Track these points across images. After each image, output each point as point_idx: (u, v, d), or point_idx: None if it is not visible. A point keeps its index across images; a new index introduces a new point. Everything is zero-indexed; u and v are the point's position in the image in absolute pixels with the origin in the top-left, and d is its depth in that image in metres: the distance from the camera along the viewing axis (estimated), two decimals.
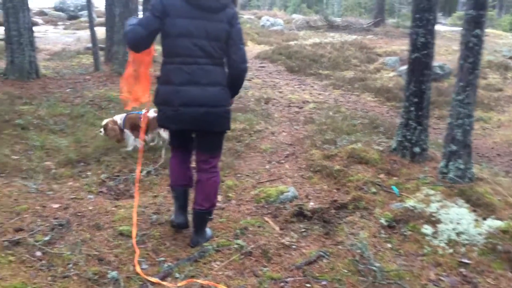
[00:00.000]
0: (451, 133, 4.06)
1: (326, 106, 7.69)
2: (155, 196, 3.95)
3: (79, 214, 3.41)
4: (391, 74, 11.16)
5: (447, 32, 17.76)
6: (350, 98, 8.72)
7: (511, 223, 3.43)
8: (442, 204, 3.67)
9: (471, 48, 3.80)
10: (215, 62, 2.93)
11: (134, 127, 4.86)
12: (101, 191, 4.00)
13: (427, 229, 3.44)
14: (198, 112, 2.89)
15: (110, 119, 5.04)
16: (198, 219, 3.17)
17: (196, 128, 3.00)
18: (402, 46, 14.48)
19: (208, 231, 3.28)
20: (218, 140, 3.14)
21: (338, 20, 21.96)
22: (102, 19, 15.61)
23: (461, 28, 3.93)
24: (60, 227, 3.17)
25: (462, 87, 3.92)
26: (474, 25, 3.75)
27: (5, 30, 7.82)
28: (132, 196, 3.97)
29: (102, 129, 4.96)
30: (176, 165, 3.23)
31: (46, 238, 2.99)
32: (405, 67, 11.27)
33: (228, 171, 4.53)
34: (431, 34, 4.32)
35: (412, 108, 4.50)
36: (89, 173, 4.34)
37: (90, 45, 10.37)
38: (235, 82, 3.09)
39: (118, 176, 4.30)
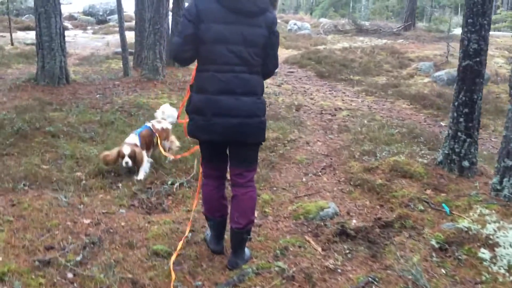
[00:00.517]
0: (506, 146, 3.75)
1: (359, 113, 7.41)
2: (189, 211, 3.76)
3: (111, 230, 3.25)
4: (426, 80, 10.78)
5: None
6: (384, 105, 8.40)
7: None
8: (499, 226, 3.36)
9: None
10: (252, 70, 2.74)
11: (149, 146, 4.61)
12: (132, 205, 3.84)
13: (484, 253, 3.14)
14: (231, 123, 2.71)
15: (127, 145, 4.30)
16: (236, 239, 2.95)
17: (229, 139, 2.81)
18: (434, 51, 14.07)
19: (247, 251, 3.07)
20: (253, 153, 2.94)
21: (366, 24, 21.59)
22: (131, 23, 15.70)
23: None
24: (92, 245, 3.01)
25: None
26: None
27: (36, 35, 7.82)
28: (165, 210, 3.80)
29: (128, 160, 4.25)
30: (208, 195, 3.03)
31: (78, 258, 2.83)
32: (440, 72, 10.91)
33: (263, 184, 4.32)
34: (485, 40, 4.02)
35: (462, 119, 4.20)
36: (120, 184, 4.20)
37: (119, 49, 10.36)
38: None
39: (149, 188, 4.14)
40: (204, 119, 2.71)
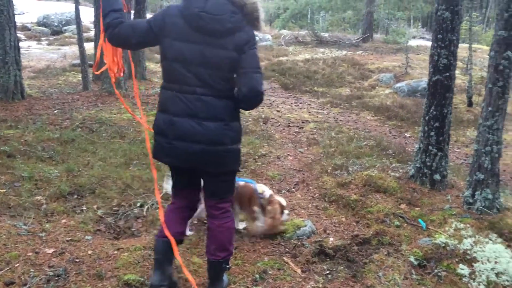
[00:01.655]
0: (478, 160, 3.80)
1: (326, 125, 7.42)
2: None
3: (77, 260, 3.01)
4: (387, 91, 11.01)
5: None
6: (349, 117, 8.47)
7: None
8: (475, 240, 3.39)
9: (501, 71, 3.56)
10: (217, 94, 2.46)
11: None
12: (99, 230, 3.61)
13: (463, 269, 3.15)
14: (193, 149, 2.47)
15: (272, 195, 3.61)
16: (213, 271, 2.76)
17: (192, 166, 2.58)
18: (393, 62, 14.45)
19: (224, 278, 2.90)
20: (225, 184, 2.70)
21: (326, 35, 21.96)
22: (89, 34, 15.25)
23: (489, 50, 3.69)
24: (57, 278, 2.77)
25: (491, 112, 3.67)
26: (505, 47, 3.51)
27: None
28: (134, 235, 3.59)
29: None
30: (167, 214, 2.77)
31: None
32: (400, 84, 11.17)
33: None
34: (454, 56, 4.08)
35: (432, 133, 4.24)
36: (84, 207, 3.94)
37: (77, 61, 9.98)
38: (248, 109, 2.69)
39: (117, 211, 3.91)
40: (166, 141, 2.50)
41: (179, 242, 2.74)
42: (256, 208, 3.55)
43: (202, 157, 2.49)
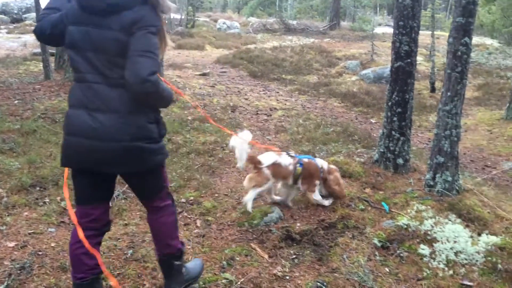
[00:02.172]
0: (438, 144, 3.91)
1: (294, 113, 7.48)
2: (126, 225, 3.54)
3: (40, 253, 2.95)
4: (354, 78, 11.16)
5: None
6: (317, 104, 8.56)
7: (507, 238, 3.31)
8: (435, 221, 3.50)
9: (460, 57, 3.67)
10: (109, 81, 2.12)
11: None
12: (62, 222, 3.53)
13: (424, 249, 3.25)
14: (82, 145, 2.11)
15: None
16: (164, 267, 2.59)
17: (86, 168, 2.18)
18: (359, 49, 14.65)
19: (193, 267, 2.74)
20: (143, 183, 2.35)
21: (294, 23, 22.00)
22: None
23: (448, 36, 3.78)
24: (19, 272, 2.71)
25: (450, 97, 3.78)
26: (463, 33, 3.61)
27: None
28: None
29: None
30: (70, 251, 2.31)
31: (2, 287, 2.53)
32: (366, 70, 11.35)
33: (204, 191, 4.18)
34: (415, 42, 4.17)
35: (395, 118, 4.34)
36: (47, 200, 3.85)
37: (38, 50, 9.65)
38: (145, 104, 2.18)
39: None
40: (63, 137, 2.19)
41: (95, 275, 2.30)
42: (317, 182, 3.87)
43: (95, 156, 2.12)
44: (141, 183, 2.35)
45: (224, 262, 3.04)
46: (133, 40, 2.06)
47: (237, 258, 3.11)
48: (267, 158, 3.77)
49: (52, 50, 9.59)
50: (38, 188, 4.06)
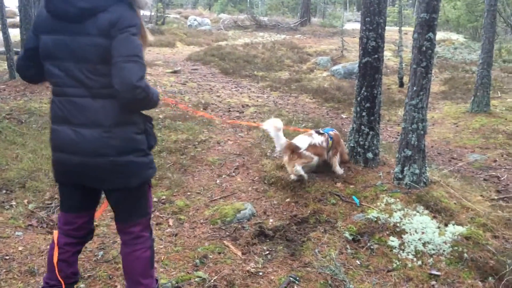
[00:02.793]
0: (405, 138, 4.00)
1: (266, 109, 7.51)
2: (97, 226, 3.48)
3: (7, 257, 2.88)
4: (325, 74, 11.27)
5: None
6: (289, 100, 8.61)
7: (472, 228, 3.42)
8: (404, 213, 3.59)
9: (424, 52, 3.75)
10: (91, 93, 2.02)
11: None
12: (30, 225, 3.45)
13: (393, 241, 3.33)
14: (71, 162, 2.07)
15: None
16: None
17: (73, 182, 2.15)
18: (330, 45, 14.80)
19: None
20: (126, 202, 2.20)
21: (265, 19, 22.03)
22: (15, 20, 14.33)
23: (413, 32, 3.87)
24: None
25: (416, 91, 3.87)
26: (427, 29, 3.70)
27: None
28: None
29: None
30: (49, 255, 2.28)
31: None
32: (337, 66, 11.48)
33: (176, 189, 4.16)
34: (381, 38, 4.24)
35: (364, 113, 4.41)
36: (13, 202, 3.75)
37: (2, 49, 9.34)
38: (133, 110, 2.10)
39: (49, 204, 3.76)
40: (52, 153, 2.16)
41: (70, 284, 2.28)
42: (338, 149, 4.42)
43: (82, 171, 2.07)
44: (124, 201, 2.19)
45: (197, 261, 3.04)
46: (115, 45, 1.94)
47: (210, 256, 3.11)
48: (302, 142, 4.20)
49: (16, 48, 9.31)
50: (4, 191, 3.95)
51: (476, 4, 18.74)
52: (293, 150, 4.12)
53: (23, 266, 2.81)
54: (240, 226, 3.57)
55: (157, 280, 2.41)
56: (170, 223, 3.61)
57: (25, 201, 3.77)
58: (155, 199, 3.97)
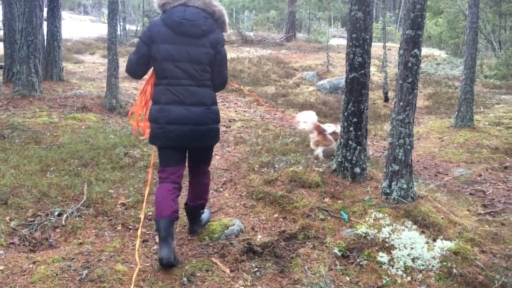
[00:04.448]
0: (393, 153, 4.02)
1: (253, 124, 7.50)
2: (81, 244, 3.40)
3: None
4: (311, 88, 11.35)
5: None
6: (275, 114, 8.62)
7: (460, 243, 3.43)
8: (392, 228, 3.58)
9: (410, 68, 3.79)
10: (199, 83, 3.13)
11: None
12: (12, 243, 3.35)
13: (382, 256, 3.31)
14: (182, 130, 3.09)
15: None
16: (192, 214, 3.56)
17: (183, 145, 3.18)
18: (315, 60, 14.94)
19: (205, 215, 3.73)
20: (207, 154, 3.44)
21: (251, 34, 22.18)
22: None
23: (399, 48, 3.91)
24: None
25: (402, 107, 3.89)
26: (413, 45, 3.75)
27: None
28: (52, 246, 3.38)
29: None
30: (161, 195, 3.18)
31: None
32: (323, 81, 11.57)
33: None
34: (368, 54, 4.28)
35: (352, 128, 4.42)
36: None
37: None
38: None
39: (32, 221, 3.66)
40: (158, 127, 3.10)
41: (176, 219, 3.19)
42: None
43: (190, 135, 3.10)
44: (206, 154, 3.42)
45: (185, 279, 2.97)
46: (219, 57, 3.20)
47: (198, 274, 3.05)
48: (328, 127, 5.52)
49: (0, 63, 9.19)
50: None
51: (457, 21, 19.19)
52: (320, 132, 5.41)
53: (4, 286, 2.71)
54: (228, 242, 3.52)
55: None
56: (157, 240, 3.54)
57: (7, 218, 3.66)
58: (141, 216, 3.90)
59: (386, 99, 10.15)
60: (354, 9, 4.28)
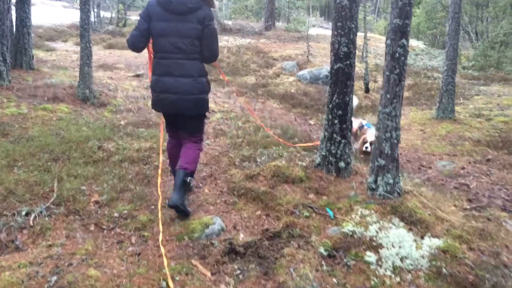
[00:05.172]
0: (379, 147, 3.89)
1: (233, 115, 7.29)
2: (50, 246, 3.16)
3: None
4: (291, 79, 11.17)
5: None
6: (256, 105, 8.43)
7: (448, 240, 3.34)
8: (380, 226, 3.46)
9: (398, 59, 3.65)
10: (187, 57, 3.49)
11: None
12: None
13: (370, 256, 3.18)
14: (171, 98, 3.53)
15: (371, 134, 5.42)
16: (179, 178, 3.59)
17: (172, 111, 3.66)
18: (295, 50, 14.77)
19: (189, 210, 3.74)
20: (195, 123, 3.76)
21: (229, 23, 21.81)
22: None
23: (386, 38, 3.76)
24: None
25: (389, 99, 3.76)
26: (400, 35, 3.60)
27: None
28: (19, 249, 3.13)
29: (368, 146, 5.44)
30: (170, 151, 3.95)
31: None
32: (303, 71, 11.42)
33: (139, 203, 3.87)
34: (353, 44, 4.12)
35: (336, 121, 4.27)
36: None
37: None
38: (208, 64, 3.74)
39: None
40: (155, 95, 3.63)
41: (191, 172, 3.70)
42: None
43: (178, 104, 3.53)
44: (193, 123, 3.74)
45: (163, 283, 2.78)
46: (207, 31, 3.49)
47: (177, 278, 2.87)
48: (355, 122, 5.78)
49: None
50: None
51: (435, 11, 19.28)
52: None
53: None
54: (208, 242, 3.34)
55: (193, 176, 3.83)
56: (133, 241, 3.33)
57: None
58: (115, 214, 3.68)
59: (367, 90, 10.07)
60: None
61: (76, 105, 6.97)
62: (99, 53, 13.35)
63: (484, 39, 15.89)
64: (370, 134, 5.49)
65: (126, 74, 10.18)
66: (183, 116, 3.64)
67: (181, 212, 3.61)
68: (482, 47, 14.32)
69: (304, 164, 4.57)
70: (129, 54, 13.23)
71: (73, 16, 21.10)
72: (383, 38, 21.37)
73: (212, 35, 3.53)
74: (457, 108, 7.87)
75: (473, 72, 13.06)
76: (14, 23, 8.64)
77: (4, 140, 5.09)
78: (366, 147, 5.45)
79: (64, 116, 6.25)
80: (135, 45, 3.57)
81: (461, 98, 9.18)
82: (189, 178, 3.61)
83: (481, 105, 8.75)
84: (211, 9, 3.57)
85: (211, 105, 8.05)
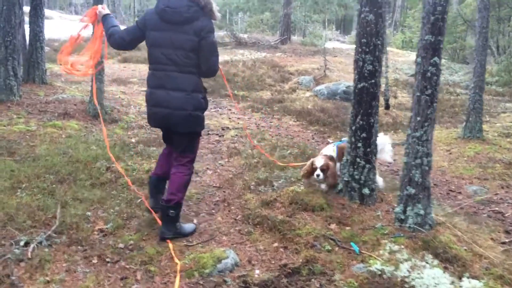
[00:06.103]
0: (408, 174, 3.55)
1: (248, 132, 7.00)
2: (48, 283, 2.88)
3: None
4: (307, 94, 10.87)
5: (351, 50, 18.24)
6: (271, 122, 8.13)
7: (490, 282, 2.97)
8: (412, 264, 3.11)
9: (429, 78, 3.33)
10: (181, 69, 3.27)
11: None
12: None
13: None
14: (163, 112, 3.33)
15: (322, 157, 4.20)
16: (162, 212, 3.49)
17: (163, 126, 3.56)
18: (311, 64, 14.49)
19: (187, 227, 3.61)
20: (186, 141, 3.48)
21: (245, 36, 21.67)
22: None
23: (416, 56, 3.44)
24: None
25: (420, 122, 3.43)
26: (432, 52, 3.28)
27: None
28: (14, 285, 2.85)
29: (319, 173, 4.06)
30: (162, 157, 3.77)
31: None
32: (320, 87, 11.11)
33: (146, 232, 3.58)
34: (379, 61, 3.82)
35: (360, 144, 3.95)
36: None
37: None
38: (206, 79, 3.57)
39: None
40: (148, 108, 3.46)
41: (167, 177, 3.59)
42: None
43: (169, 119, 3.32)
44: (184, 141, 3.47)
45: None
46: (205, 44, 3.25)
47: None
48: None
49: None
50: None
51: (455, 25, 18.84)
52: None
53: None
54: (221, 279, 3.02)
55: (181, 204, 3.55)
56: (138, 277, 3.03)
57: None
58: (121, 245, 3.39)
59: (387, 107, 9.70)
60: (364, 11, 3.81)
61: (87, 121, 6.77)
62: (113, 67, 13.26)
63: (507, 53, 15.40)
64: (319, 159, 4.20)
65: (140, 89, 10.00)
66: (175, 133, 3.44)
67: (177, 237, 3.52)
68: (506, 62, 13.85)
69: (324, 189, 4.24)
70: (144, 68, 13.10)
71: (90, 29, 21.22)
72: (401, 52, 20.98)
73: (210, 48, 3.27)
74: (484, 126, 7.46)
75: (497, 88, 12.59)
76: (27, 38, 8.54)
77: (10, 159, 4.87)
78: (318, 175, 4.10)
79: (73, 134, 6.04)
80: (116, 46, 3.51)
81: (487, 116, 8.75)
82: (170, 211, 3.41)
83: (509, 123, 8.32)
84: (212, 20, 3.33)
85: (225, 121, 7.80)
